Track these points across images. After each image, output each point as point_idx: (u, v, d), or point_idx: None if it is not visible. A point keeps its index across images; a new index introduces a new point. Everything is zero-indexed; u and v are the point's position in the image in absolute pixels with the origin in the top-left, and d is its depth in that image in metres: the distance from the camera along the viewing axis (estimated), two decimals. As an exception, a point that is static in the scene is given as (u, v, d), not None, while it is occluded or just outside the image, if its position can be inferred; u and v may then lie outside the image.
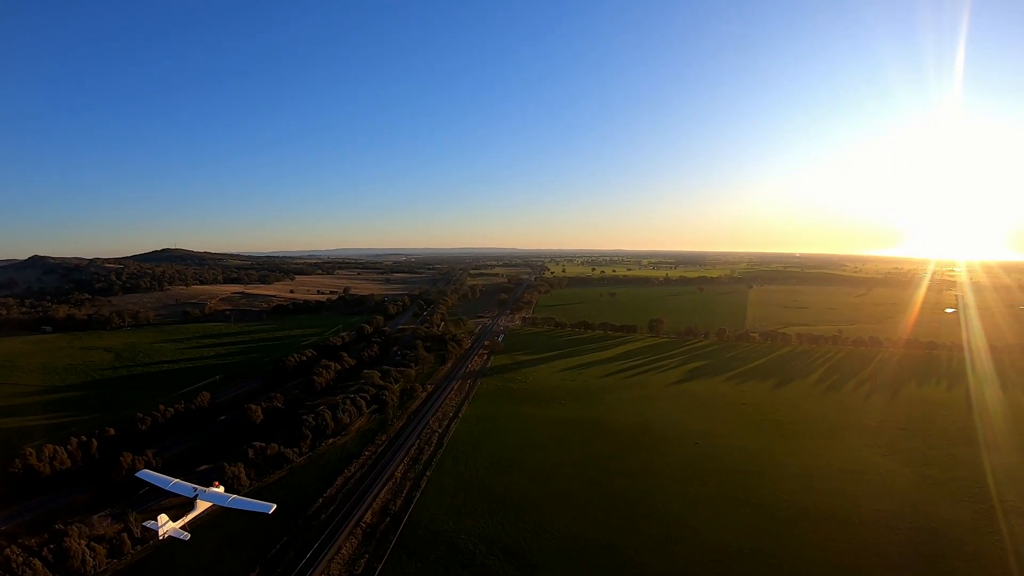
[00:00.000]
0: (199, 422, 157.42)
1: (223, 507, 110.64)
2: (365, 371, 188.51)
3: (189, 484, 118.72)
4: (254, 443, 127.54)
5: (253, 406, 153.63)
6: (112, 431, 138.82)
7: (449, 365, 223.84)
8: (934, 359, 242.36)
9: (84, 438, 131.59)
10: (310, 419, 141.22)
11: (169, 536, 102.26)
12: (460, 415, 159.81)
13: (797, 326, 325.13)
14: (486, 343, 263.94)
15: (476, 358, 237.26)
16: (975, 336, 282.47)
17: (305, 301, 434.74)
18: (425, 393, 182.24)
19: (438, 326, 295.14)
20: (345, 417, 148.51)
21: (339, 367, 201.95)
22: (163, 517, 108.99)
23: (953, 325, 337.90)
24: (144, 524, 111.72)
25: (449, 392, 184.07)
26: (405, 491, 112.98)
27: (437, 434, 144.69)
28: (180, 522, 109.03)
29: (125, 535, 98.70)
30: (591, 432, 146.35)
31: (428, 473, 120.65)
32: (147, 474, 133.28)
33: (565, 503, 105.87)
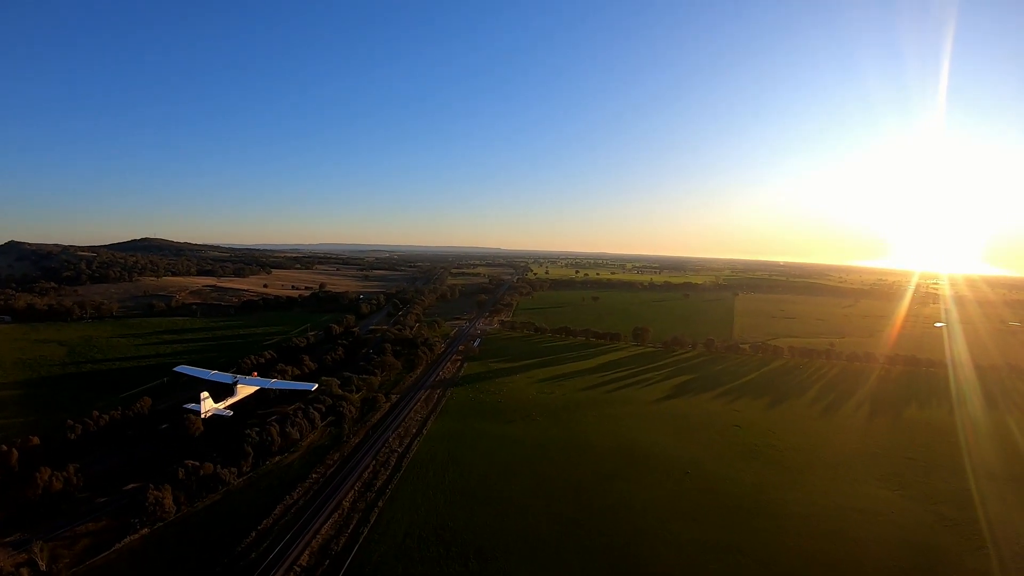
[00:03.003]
0: (138, 430, 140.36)
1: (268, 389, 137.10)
2: (324, 378, 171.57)
3: (228, 374, 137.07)
4: (186, 462, 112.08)
5: (193, 416, 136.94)
6: (37, 440, 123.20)
7: (419, 372, 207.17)
8: (931, 377, 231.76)
9: (5, 448, 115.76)
10: (253, 434, 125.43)
11: (213, 414, 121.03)
12: (424, 432, 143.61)
13: (787, 338, 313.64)
14: (460, 348, 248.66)
15: (449, 364, 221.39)
16: (970, 354, 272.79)
17: (276, 297, 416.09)
18: (389, 404, 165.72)
19: (411, 328, 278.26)
20: (294, 432, 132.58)
21: (298, 372, 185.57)
22: (204, 394, 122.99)
23: (944, 340, 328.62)
24: (185, 406, 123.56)
25: (415, 403, 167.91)
26: (351, 526, 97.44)
27: (396, 454, 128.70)
28: (222, 404, 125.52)
29: (25, 570, 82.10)
30: (568, 457, 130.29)
31: (380, 503, 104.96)
32: (185, 368, 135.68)
33: (536, 548, 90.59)
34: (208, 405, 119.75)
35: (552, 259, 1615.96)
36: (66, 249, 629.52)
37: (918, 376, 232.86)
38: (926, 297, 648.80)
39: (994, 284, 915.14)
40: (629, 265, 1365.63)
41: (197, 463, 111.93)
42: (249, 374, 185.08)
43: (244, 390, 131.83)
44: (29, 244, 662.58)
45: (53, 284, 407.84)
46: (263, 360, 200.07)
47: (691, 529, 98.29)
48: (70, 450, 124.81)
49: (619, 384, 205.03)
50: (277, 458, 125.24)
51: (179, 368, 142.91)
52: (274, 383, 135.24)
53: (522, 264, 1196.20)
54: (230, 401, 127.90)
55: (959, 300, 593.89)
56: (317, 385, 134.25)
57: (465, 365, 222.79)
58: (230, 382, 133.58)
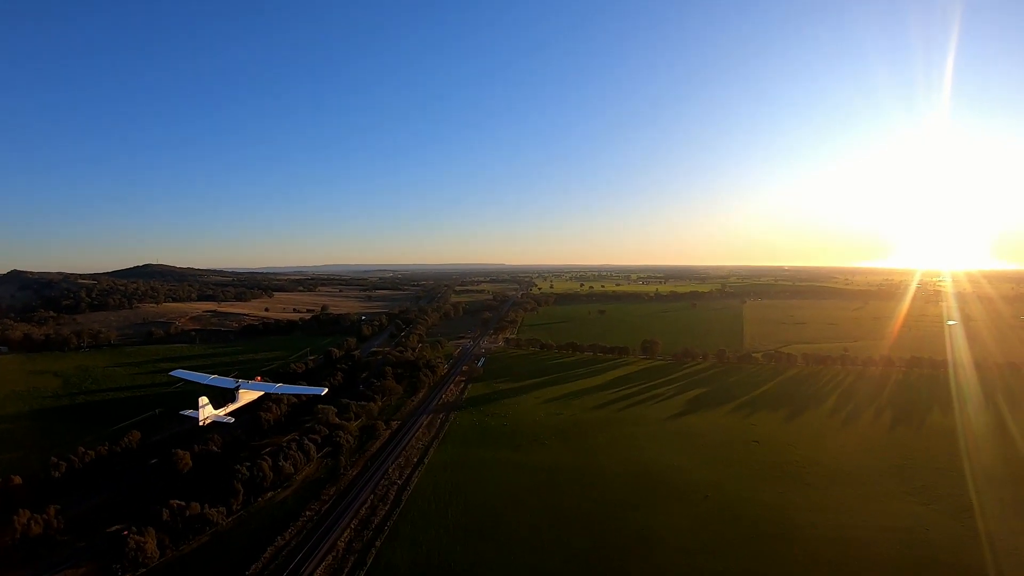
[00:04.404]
0: (126, 466, 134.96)
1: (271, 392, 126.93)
2: (320, 406, 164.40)
3: (229, 378, 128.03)
4: (171, 501, 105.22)
5: (180, 451, 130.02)
6: (18, 480, 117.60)
7: (420, 396, 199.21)
8: (947, 378, 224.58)
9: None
10: (243, 470, 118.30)
11: (213, 421, 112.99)
12: (426, 461, 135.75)
13: (799, 344, 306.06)
14: (464, 368, 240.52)
15: (452, 386, 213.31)
16: (988, 353, 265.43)
17: (276, 321, 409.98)
18: (389, 432, 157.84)
19: (413, 350, 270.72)
20: (288, 465, 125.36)
21: (294, 399, 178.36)
22: (203, 399, 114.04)
23: (958, 340, 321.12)
24: (182, 412, 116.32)
25: (417, 430, 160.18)
26: (347, 569, 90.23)
27: (396, 487, 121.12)
28: (222, 410, 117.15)
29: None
30: (580, 484, 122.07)
31: (378, 542, 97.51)
32: (181, 372, 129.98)
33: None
34: (207, 412, 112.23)
35: (556, 273, 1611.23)
36: (67, 277, 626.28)
37: (937, 379, 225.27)
38: (934, 295, 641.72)
39: (1003, 279, 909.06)
40: (634, 276, 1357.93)
41: (183, 503, 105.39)
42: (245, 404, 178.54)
43: (247, 395, 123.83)
44: (31, 273, 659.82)
45: (52, 313, 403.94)
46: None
47: (715, 562, 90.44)
48: (54, 489, 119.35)
49: (630, 401, 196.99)
50: (269, 494, 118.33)
51: (176, 372, 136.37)
52: (279, 387, 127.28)
53: (526, 279, 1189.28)
54: (232, 407, 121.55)
55: (970, 297, 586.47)
56: (327, 389, 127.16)
57: (469, 387, 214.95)
58: (232, 387, 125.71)
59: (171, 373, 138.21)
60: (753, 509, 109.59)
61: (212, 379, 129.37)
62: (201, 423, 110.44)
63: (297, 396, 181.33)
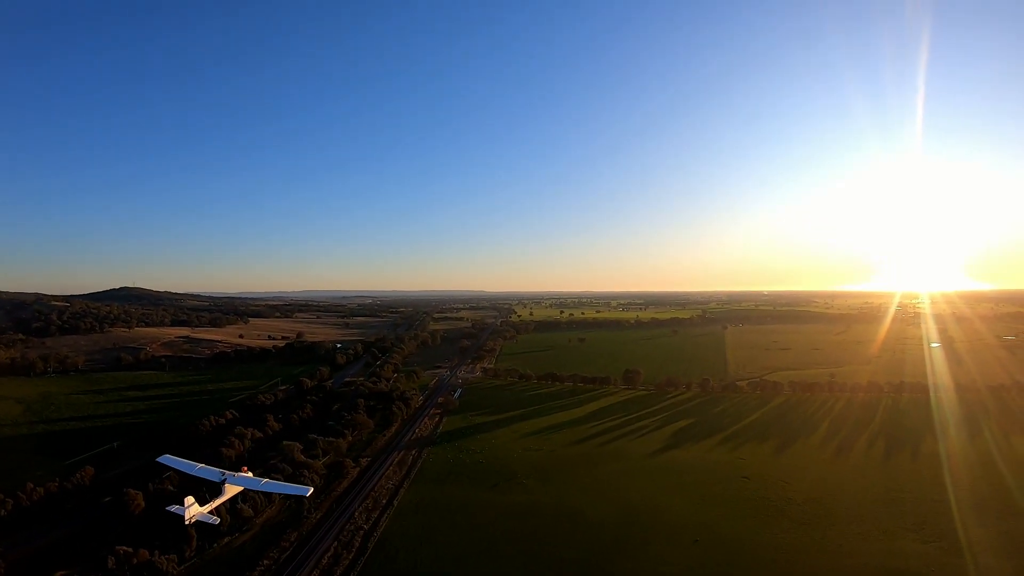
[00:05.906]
0: (78, 503, 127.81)
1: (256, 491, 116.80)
2: (286, 443, 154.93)
3: (216, 469, 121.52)
4: (117, 548, 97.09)
5: (133, 491, 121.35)
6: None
7: (393, 429, 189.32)
8: (937, 403, 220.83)
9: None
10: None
11: (197, 521, 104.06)
12: (395, 503, 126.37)
13: (784, 371, 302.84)
14: (440, 400, 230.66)
15: (426, 420, 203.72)
16: (971, 376, 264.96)
17: (249, 348, 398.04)
18: (358, 470, 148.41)
19: (387, 380, 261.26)
20: (247, 508, 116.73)
21: (259, 435, 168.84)
22: (189, 499, 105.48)
23: (942, 362, 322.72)
24: (168, 508, 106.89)
25: (387, 467, 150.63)
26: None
27: (362, 532, 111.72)
28: (208, 507, 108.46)
29: None
30: (560, 527, 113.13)
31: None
32: (169, 459, 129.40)
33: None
34: (194, 511, 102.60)
35: (536, 300, 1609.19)
36: (41, 298, 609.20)
37: (926, 404, 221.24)
38: (913, 317, 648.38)
39: (978, 299, 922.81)
40: (614, 303, 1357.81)
41: (131, 549, 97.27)
42: (207, 439, 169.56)
43: (232, 489, 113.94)
44: (5, 294, 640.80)
45: (21, 336, 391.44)
46: (223, 421, 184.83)
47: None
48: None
49: (612, 435, 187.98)
50: (226, 539, 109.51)
51: (162, 459, 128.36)
52: (264, 484, 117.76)
53: (506, 306, 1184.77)
54: (216, 503, 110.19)
55: (948, 318, 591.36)
56: (312, 489, 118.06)
57: (444, 420, 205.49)
58: (218, 480, 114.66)
59: (158, 460, 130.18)
60: (749, 552, 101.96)
61: (199, 469, 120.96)
62: (187, 522, 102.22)
63: (263, 432, 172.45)
